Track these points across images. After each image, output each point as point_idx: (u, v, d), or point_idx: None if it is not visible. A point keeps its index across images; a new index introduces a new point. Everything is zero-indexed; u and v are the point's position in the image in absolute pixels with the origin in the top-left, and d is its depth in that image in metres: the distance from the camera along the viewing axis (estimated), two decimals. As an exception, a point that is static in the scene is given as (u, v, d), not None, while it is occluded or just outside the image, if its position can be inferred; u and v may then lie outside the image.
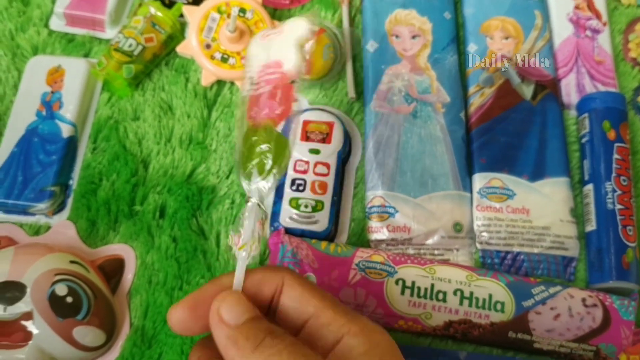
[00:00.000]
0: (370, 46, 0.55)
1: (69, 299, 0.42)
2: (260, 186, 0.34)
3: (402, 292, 0.45)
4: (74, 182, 0.51)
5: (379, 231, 0.49)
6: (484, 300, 0.45)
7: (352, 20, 0.57)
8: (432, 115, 0.53)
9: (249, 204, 0.34)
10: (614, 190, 0.49)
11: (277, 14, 0.58)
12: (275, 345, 0.28)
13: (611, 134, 0.51)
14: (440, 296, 0.45)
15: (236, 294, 0.30)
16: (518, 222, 0.50)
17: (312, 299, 0.31)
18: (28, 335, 0.41)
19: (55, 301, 0.42)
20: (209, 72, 0.53)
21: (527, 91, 0.54)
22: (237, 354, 0.28)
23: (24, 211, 0.49)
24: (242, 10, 0.54)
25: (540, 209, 0.50)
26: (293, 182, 0.49)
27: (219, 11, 0.54)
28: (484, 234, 0.49)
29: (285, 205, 0.48)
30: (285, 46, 0.39)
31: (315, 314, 0.31)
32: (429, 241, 0.49)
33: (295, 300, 0.31)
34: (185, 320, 0.31)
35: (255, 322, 0.29)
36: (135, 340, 0.45)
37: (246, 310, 0.29)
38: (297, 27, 0.39)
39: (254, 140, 0.35)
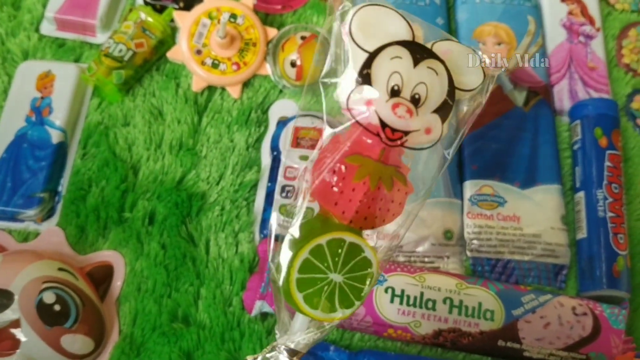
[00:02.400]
0: (362, 52, 0.55)
1: (57, 307, 0.42)
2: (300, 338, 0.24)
3: (392, 301, 0.45)
4: (63, 189, 0.51)
5: (369, 238, 0.49)
6: (474, 308, 0.45)
7: (344, 26, 0.57)
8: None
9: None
10: (605, 198, 0.49)
11: (269, 19, 0.57)
12: None
13: (603, 141, 0.51)
14: (430, 304, 0.45)
15: None
16: (509, 229, 0.49)
17: None
18: (16, 344, 0.41)
19: (43, 309, 0.42)
20: (199, 77, 0.53)
21: (520, 97, 0.54)
22: None
23: (13, 217, 0.49)
24: (233, 16, 0.54)
25: (531, 216, 0.50)
26: (283, 189, 0.49)
27: (210, 17, 0.54)
28: (475, 241, 0.49)
29: (275, 212, 0.48)
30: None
31: None
32: (419, 248, 0.49)
33: None
34: None
35: None
36: (123, 347, 0.45)
37: None
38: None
39: (330, 249, 0.22)
